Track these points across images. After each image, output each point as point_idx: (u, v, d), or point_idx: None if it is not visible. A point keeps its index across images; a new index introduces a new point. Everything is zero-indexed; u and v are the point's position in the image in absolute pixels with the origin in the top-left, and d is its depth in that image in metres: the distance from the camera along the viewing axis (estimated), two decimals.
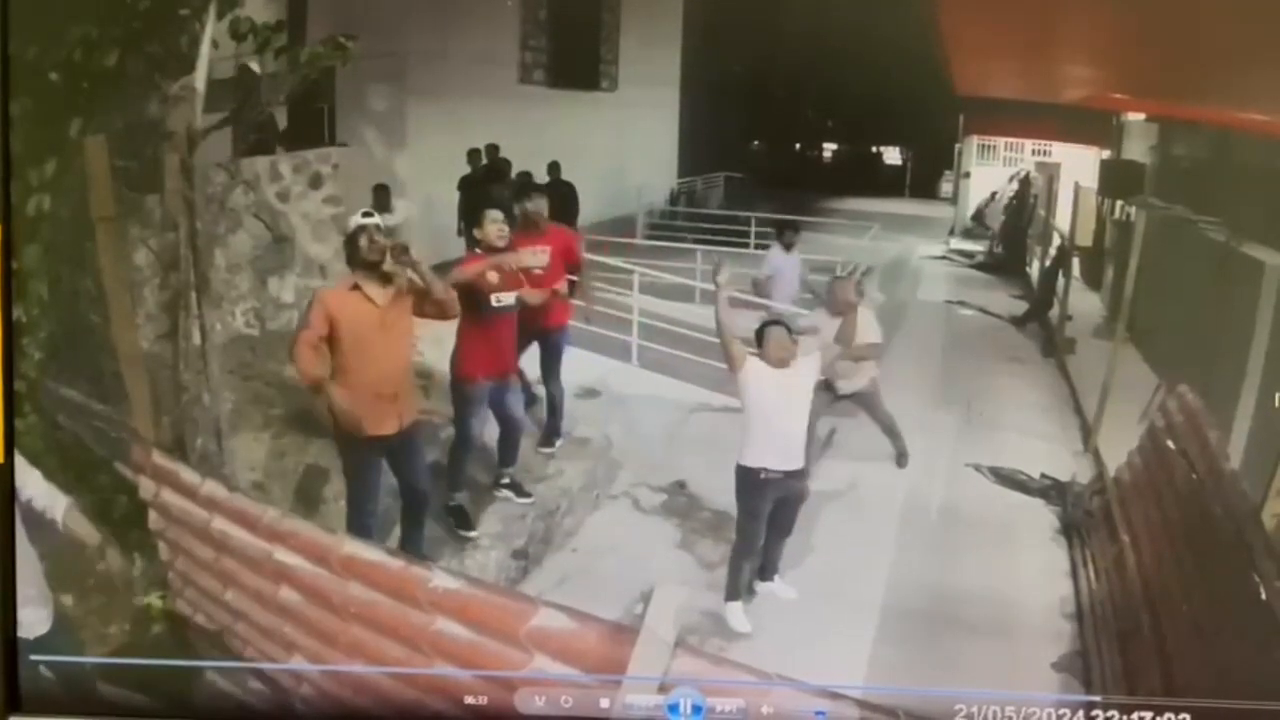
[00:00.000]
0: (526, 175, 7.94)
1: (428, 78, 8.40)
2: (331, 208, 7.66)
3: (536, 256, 5.62)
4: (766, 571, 5.16)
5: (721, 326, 4.90)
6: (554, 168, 8.56)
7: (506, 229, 5.46)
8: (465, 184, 8.06)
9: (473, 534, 5.32)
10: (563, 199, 8.47)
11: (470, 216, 6.10)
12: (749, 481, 4.95)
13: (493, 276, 5.39)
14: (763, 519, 5.00)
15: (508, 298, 5.43)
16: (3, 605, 3.44)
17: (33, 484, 3.56)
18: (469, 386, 5.40)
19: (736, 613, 4.96)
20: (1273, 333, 5.57)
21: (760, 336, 4.97)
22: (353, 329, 4.59)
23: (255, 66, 5.87)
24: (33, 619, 3.54)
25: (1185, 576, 4.16)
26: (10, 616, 3.45)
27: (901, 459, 6.44)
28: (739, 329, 4.95)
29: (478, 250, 5.49)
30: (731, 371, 4.94)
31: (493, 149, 8.30)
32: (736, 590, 5.01)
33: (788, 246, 7.79)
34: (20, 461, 3.52)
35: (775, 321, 5.03)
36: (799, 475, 4.98)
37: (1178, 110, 7.90)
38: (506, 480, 5.69)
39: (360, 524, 4.78)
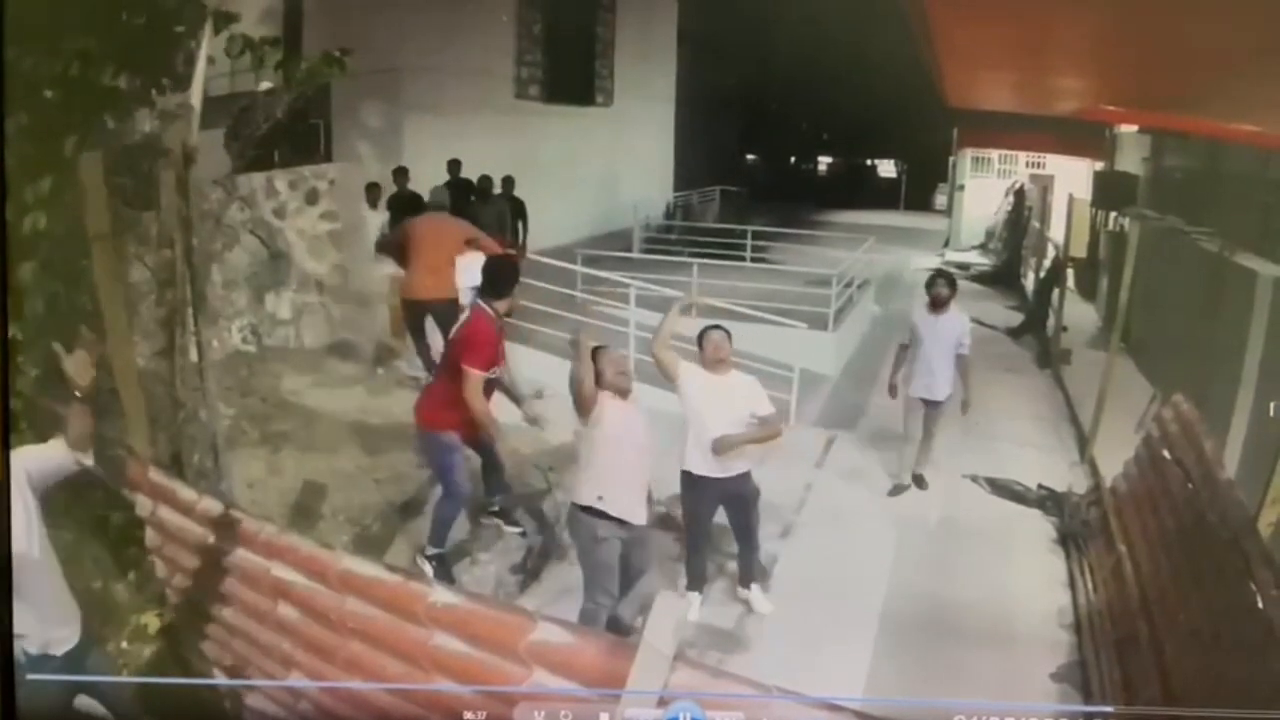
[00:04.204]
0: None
1: (424, 93, 8.45)
2: (328, 223, 7.69)
3: None
4: (743, 579, 5.18)
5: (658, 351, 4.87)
6: (507, 182, 8.64)
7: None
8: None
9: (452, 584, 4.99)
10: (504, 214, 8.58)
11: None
12: (687, 484, 5.00)
13: None
14: (704, 521, 5.04)
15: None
16: (1, 620, 3.42)
17: (35, 457, 3.46)
18: (444, 436, 5.16)
19: (693, 603, 5.05)
20: (1267, 342, 5.60)
21: (700, 340, 4.94)
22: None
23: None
24: (62, 634, 3.47)
25: (1182, 585, 4.16)
26: (7, 630, 3.43)
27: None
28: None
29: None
30: (670, 381, 4.90)
31: (454, 164, 8.41)
32: (693, 581, 5.11)
33: (936, 304, 6.17)
34: (18, 452, 3.43)
35: (716, 326, 4.97)
36: (741, 479, 4.96)
37: (1170, 122, 7.95)
38: (495, 509, 5.66)
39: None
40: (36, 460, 3.38)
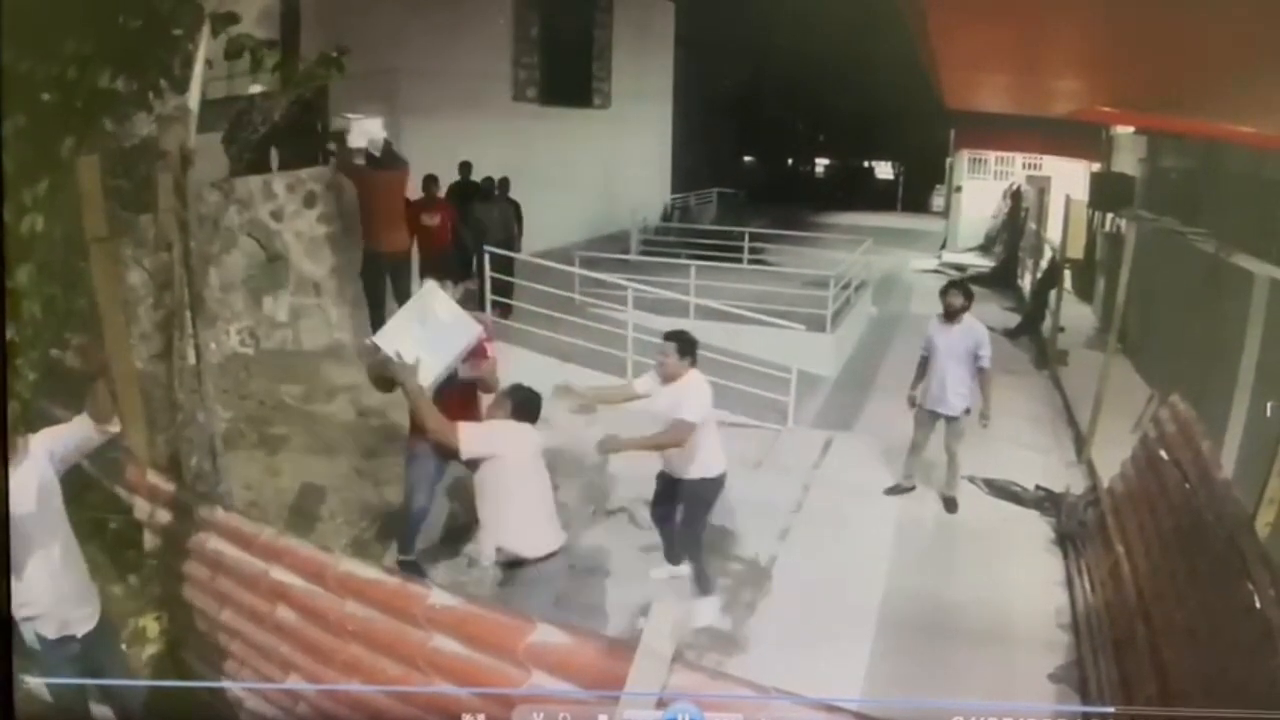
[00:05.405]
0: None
1: (421, 96, 8.44)
2: (325, 226, 7.68)
3: None
4: (669, 557, 5.24)
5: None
6: (503, 183, 8.71)
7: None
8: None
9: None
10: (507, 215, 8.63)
11: None
12: (659, 479, 5.09)
13: None
14: (663, 504, 5.11)
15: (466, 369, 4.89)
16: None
17: (58, 435, 3.49)
18: (415, 447, 4.96)
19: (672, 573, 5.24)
20: (1263, 342, 5.61)
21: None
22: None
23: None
24: (82, 614, 3.52)
25: (1179, 585, 4.17)
26: (6, 631, 3.43)
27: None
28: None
29: None
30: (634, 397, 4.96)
31: (465, 165, 8.53)
32: (668, 555, 5.24)
33: (950, 314, 6.02)
34: (30, 438, 3.44)
35: (674, 333, 4.88)
36: (697, 485, 4.92)
37: (1166, 123, 7.97)
38: None
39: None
40: (60, 438, 3.46)
